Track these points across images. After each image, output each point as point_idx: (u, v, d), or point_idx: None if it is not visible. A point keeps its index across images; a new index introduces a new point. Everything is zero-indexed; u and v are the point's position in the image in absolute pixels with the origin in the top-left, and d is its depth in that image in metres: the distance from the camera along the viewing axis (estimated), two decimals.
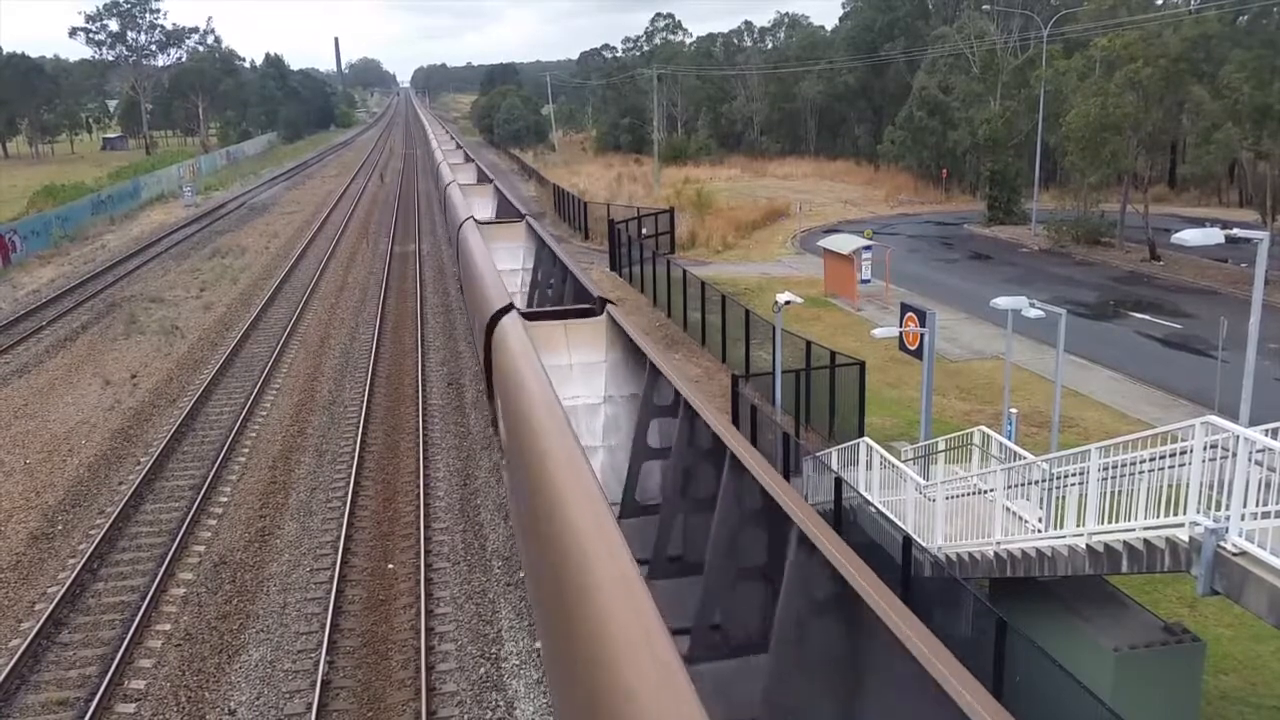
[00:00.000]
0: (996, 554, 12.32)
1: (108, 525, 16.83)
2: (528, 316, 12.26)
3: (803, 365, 22.26)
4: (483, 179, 40.42)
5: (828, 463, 16.64)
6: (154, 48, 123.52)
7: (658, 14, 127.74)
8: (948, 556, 13.28)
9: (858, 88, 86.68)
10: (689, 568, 8.86)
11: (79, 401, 24.34)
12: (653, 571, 8.88)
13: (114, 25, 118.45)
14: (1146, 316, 33.46)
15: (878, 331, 18.88)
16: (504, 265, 20.58)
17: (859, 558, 5.67)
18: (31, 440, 21.70)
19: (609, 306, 12.60)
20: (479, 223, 22.71)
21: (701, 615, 7.52)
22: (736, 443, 7.50)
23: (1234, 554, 8.66)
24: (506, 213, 28.46)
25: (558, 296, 16.96)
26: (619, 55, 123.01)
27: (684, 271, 32.10)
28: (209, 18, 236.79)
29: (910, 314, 18.88)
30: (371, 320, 32.18)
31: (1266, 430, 8.74)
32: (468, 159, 52.27)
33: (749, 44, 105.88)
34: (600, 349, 12.32)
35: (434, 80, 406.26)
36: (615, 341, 12.29)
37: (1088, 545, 10.58)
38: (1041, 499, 12.08)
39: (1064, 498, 11.38)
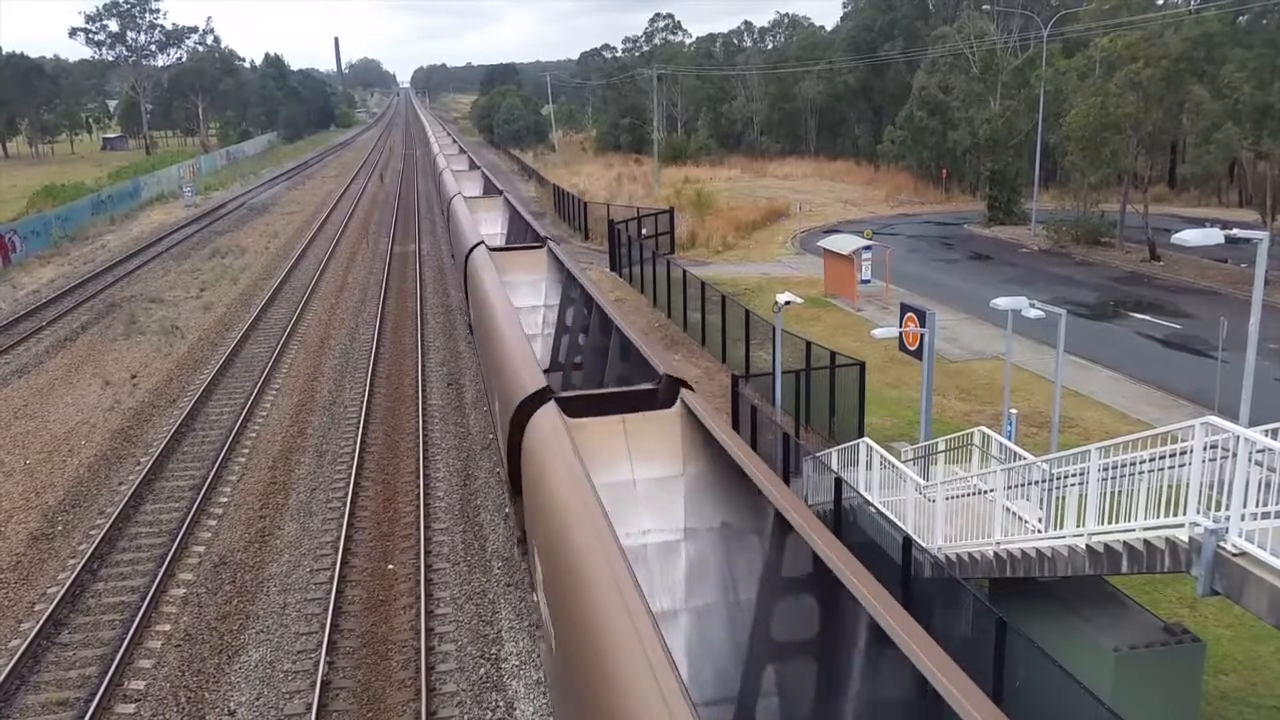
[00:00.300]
0: (996, 554, 12.32)
1: (108, 526, 16.83)
2: (569, 406, 8.91)
3: (803, 365, 22.26)
4: (490, 190, 37.17)
5: (828, 463, 16.64)
6: (154, 48, 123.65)
7: (657, 14, 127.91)
8: (948, 557, 13.28)
9: (858, 88, 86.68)
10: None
11: (79, 402, 24.34)
12: None
13: (114, 25, 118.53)
14: (1146, 317, 33.45)
15: (878, 332, 18.88)
16: (521, 302, 17.81)
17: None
18: (31, 440, 21.70)
19: (683, 391, 8.95)
20: (492, 250, 19.40)
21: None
22: (950, 678, 4.50)
23: (1234, 554, 8.66)
24: (520, 231, 25.42)
25: (595, 350, 13.44)
26: (619, 55, 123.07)
27: (684, 272, 32.10)
28: (208, 17, 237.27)
29: (910, 314, 18.88)
30: (371, 320, 32.18)
31: (1266, 430, 8.74)
32: (472, 165, 49.88)
33: (749, 44, 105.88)
34: (676, 458, 8.76)
35: (434, 80, 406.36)
36: (697, 448, 8.69)
37: (1088, 545, 10.58)
38: (1041, 499, 12.07)
39: (1064, 498, 11.38)
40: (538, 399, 9.14)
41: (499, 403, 11.82)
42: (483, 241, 19.94)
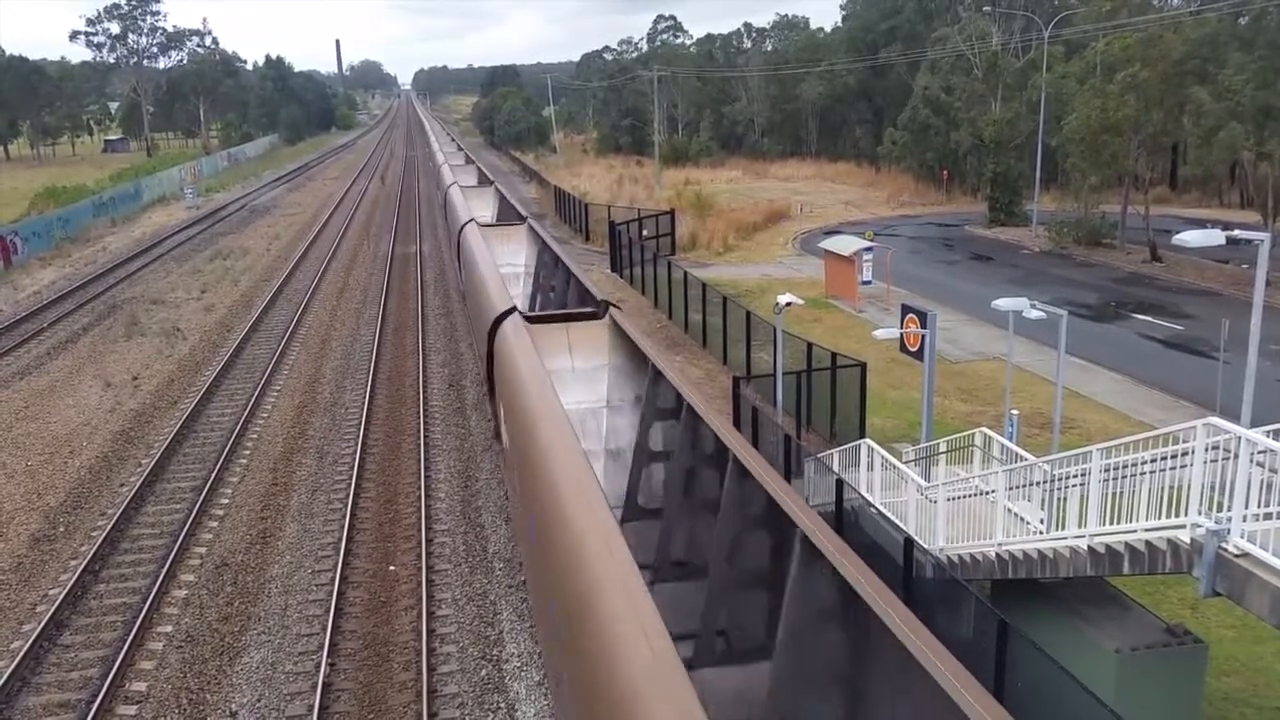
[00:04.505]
0: (998, 555, 12.31)
1: (109, 527, 16.83)
2: (530, 320, 12.30)
3: (804, 367, 22.24)
4: (483, 181, 40.82)
5: (829, 464, 16.63)
6: (155, 50, 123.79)
7: (659, 15, 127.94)
8: (949, 558, 13.27)
9: (858, 89, 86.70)
10: (692, 571, 8.86)
11: (80, 403, 24.35)
12: (656, 576, 8.90)
13: (114, 28, 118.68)
14: (1148, 318, 33.44)
15: (879, 333, 18.87)
16: (506, 268, 20.57)
17: (863, 562, 5.63)
18: (33, 442, 21.71)
19: (611, 309, 12.63)
20: (481, 225, 22.80)
21: (706, 621, 7.52)
22: (740, 447, 7.50)
23: (1235, 555, 8.65)
24: (508, 215, 28.67)
25: (560, 299, 16.91)
26: (620, 57, 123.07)
27: (685, 273, 32.09)
28: (204, 19, 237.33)
29: (911, 315, 18.88)
30: (373, 322, 32.18)
31: (1268, 431, 8.74)
32: (469, 161, 52.91)
33: (748, 45, 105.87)
34: (603, 353, 12.29)
35: (435, 82, 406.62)
36: (618, 345, 12.27)
37: (1089, 546, 10.58)
38: (1043, 500, 12.07)
39: (1065, 499, 11.37)
40: (506, 315, 12.28)
41: (478, 323, 14.99)
42: (473, 219, 22.93)
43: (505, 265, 20.90)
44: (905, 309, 19.38)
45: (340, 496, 18.38)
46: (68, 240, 50.69)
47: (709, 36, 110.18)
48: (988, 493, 13.39)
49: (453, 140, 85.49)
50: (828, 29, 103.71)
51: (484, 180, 41.51)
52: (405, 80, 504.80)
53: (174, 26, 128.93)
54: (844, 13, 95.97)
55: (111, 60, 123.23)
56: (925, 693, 4.56)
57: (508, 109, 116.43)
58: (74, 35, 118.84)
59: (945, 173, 66.82)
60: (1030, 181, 53.48)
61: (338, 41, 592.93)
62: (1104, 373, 26.77)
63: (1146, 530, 9.77)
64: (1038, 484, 12.31)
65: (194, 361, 27.94)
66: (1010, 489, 12.84)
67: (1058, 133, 46.80)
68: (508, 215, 28.15)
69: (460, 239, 23.32)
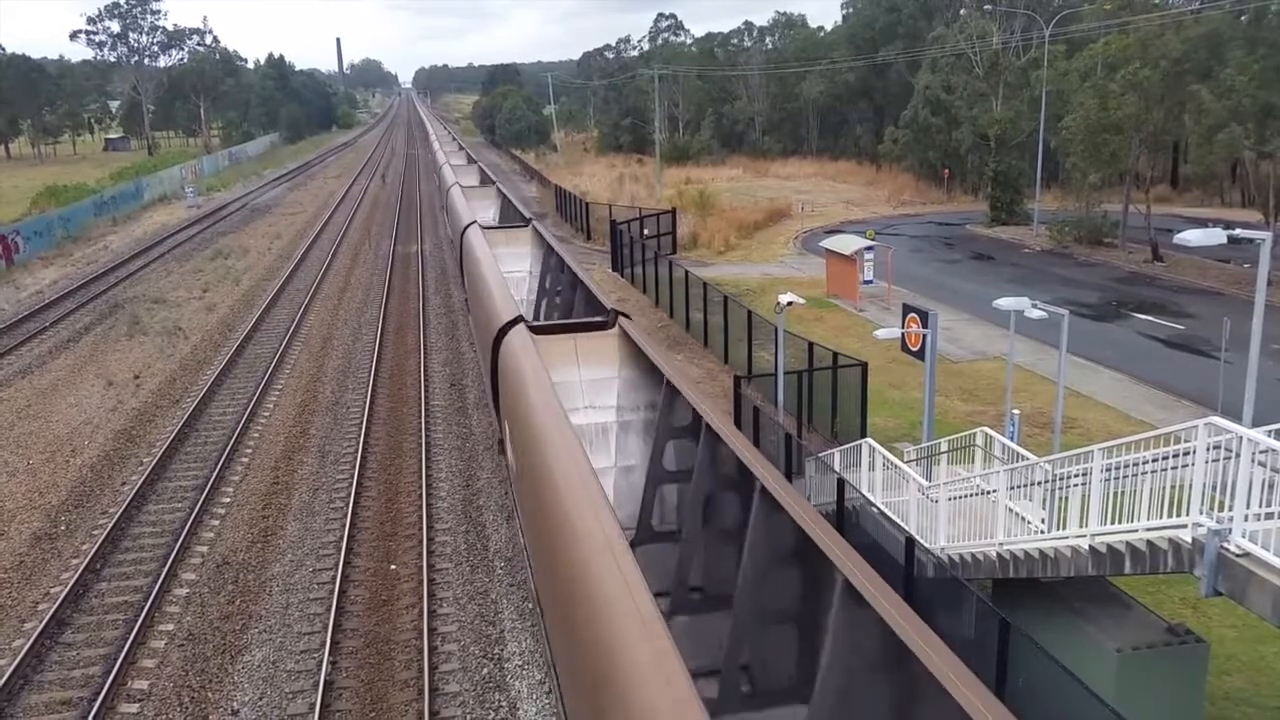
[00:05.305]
0: (999, 555, 12.31)
1: (111, 525, 16.85)
2: (536, 330, 11.96)
3: (805, 366, 22.25)
4: (485, 181, 41.36)
5: (830, 463, 16.64)
6: (155, 48, 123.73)
7: (660, 14, 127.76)
8: (950, 557, 13.28)
9: (859, 88, 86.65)
10: (712, 603, 8.45)
11: (82, 402, 24.37)
12: (673, 605, 8.44)
13: (115, 27, 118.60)
14: (1149, 317, 33.42)
15: (880, 333, 18.85)
16: (510, 271, 20.26)
17: (910, 610, 5.30)
18: (35, 441, 21.73)
19: (621, 319, 12.27)
20: (484, 228, 22.51)
21: (730, 656, 7.02)
22: (767, 473, 6.97)
23: (1237, 555, 8.65)
24: (510, 217, 28.54)
25: (567, 305, 16.66)
26: (621, 55, 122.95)
27: (686, 272, 32.09)
28: (204, 17, 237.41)
29: (912, 315, 18.87)
30: (374, 322, 32.19)
31: (1270, 431, 8.74)
32: (470, 160, 53.43)
33: (749, 44, 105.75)
34: (612, 364, 11.88)
35: (436, 81, 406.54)
36: (628, 356, 11.85)
37: (1090, 546, 10.58)
38: (1044, 500, 12.07)
39: (1067, 499, 11.38)
40: (511, 324, 12.16)
41: (482, 333, 15.01)
42: (475, 221, 22.86)
43: (509, 270, 20.40)
44: (906, 308, 19.37)
45: (342, 495, 18.40)
46: (69, 239, 50.71)
47: (709, 35, 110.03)
48: (989, 492, 13.39)
49: (454, 139, 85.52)
50: (828, 27, 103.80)
51: (485, 180, 42.02)
52: (406, 79, 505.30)
53: (174, 25, 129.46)
54: (844, 11, 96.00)
55: (112, 59, 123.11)
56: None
57: (508, 108, 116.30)
58: (74, 34, 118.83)
59: (946, 172, 66.77)
60: (1031, 180, 53.47)
61: (338, 40, 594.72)
62: (1105, 372, 26.77)
63: (1148, 530, 9.77)
64: (1039, 483, 12.31)
65: (196, 361, 27.96)
66: (1011, 488, 12.85)
67: (1057, 134, 46.74)
68: (510, 217, 28.18)
69: (463, 241, 23.06)
